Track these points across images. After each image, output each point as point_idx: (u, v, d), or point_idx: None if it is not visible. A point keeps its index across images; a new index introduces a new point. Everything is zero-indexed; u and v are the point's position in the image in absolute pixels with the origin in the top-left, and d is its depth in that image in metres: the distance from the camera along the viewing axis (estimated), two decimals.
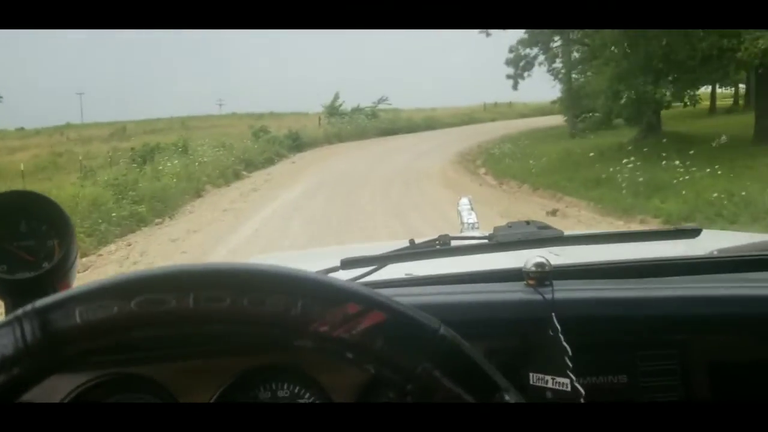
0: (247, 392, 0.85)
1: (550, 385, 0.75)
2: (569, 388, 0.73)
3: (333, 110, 28.73)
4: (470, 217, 1.77)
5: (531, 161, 13.08)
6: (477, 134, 22.86)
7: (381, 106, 31.00)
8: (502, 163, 14.54)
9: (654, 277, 0.90)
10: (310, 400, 0.85)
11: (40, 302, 0.43)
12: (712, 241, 1.32)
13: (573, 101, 19.70)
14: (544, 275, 0.81)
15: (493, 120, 27.79)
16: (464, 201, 1.91)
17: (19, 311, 0.42)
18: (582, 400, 0.73)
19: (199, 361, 0.82)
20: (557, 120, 21.93)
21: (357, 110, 29.46)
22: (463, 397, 0.43)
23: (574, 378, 0.73)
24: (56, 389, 0.80)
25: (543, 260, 0.81)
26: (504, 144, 17.61)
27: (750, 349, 0.84)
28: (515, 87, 20.99)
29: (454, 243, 1.09)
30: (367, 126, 27.04)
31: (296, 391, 0.86)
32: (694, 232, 1.03)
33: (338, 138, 24.07)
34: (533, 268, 0.81)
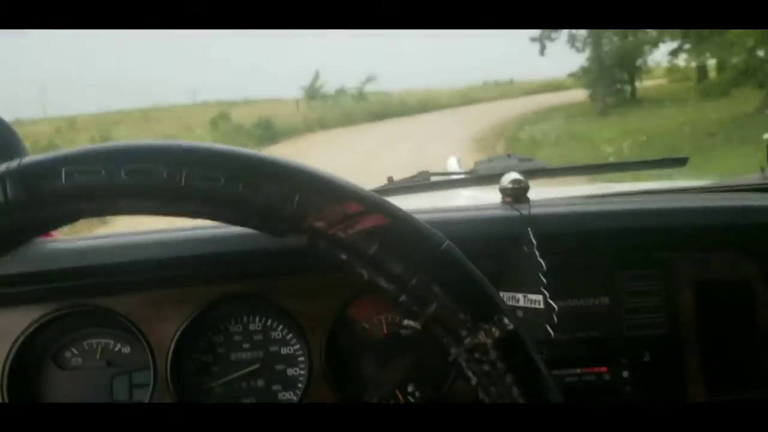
0: (216, 324, 0.82)
1: (521, 303, 0.73)
2: (541, 305, 0.70)
3: (313, 92, 25.35)
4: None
5: (607, 148, 9.36)
6: (484, 116, 18.84)
7: (369, 88, 27.34)
8: (543, 150, 10.52)
9: None
10: (283, 332, 0.83)
11: (26, 159, 0.41)
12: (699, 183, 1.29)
13: (602, 71, 16.47)
14: (520, 192, 0.78)
15: (495, 99, 25.04)
16: (452, 161, 1.88)
17: (3, 166, 0.40)
18: (555, 318, 0.70)
19: (164, 291, 0.79)
20: (571, 96, 19.43)
21: (341, 92, 26.18)
22: (458, 314, 0.42)
23: (547, 294, 0.70)
24: (15, 322, 0.77)
25: (519, 176, 0.78)
26: (533, 126, 13.64)
27: (736, 267, 0.81)
28: (542, 52, 18.14)
29: (434, 179, 1.06)
30: (354, 110, 22.81)
31: (268, 323, 0.83)
32: (681, 161, 1.00)
33: (321, 125, 20.10)
34: (509, 185, 0.78)
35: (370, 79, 27.20)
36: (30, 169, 0.40)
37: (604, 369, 0.81)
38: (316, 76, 25.94)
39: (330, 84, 26.92)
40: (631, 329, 0.82)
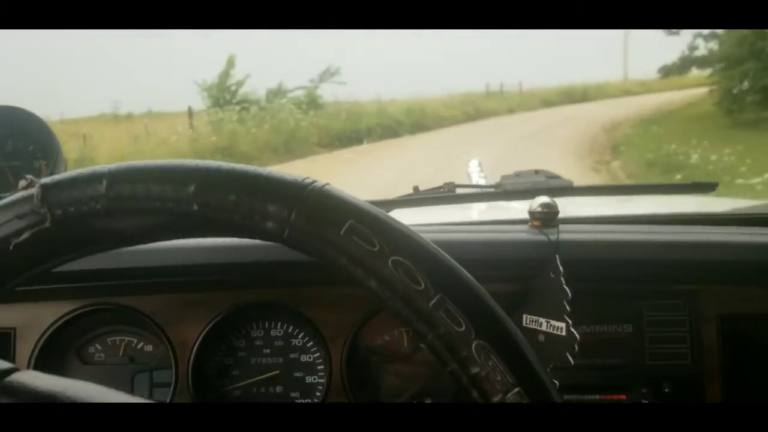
0: (239, 329, 0.83)
1: (543, 328, 0.72)
2: (564, 332, 0.70)
3: (222, 95, 13.88)
4: (480, 180, 1.73)
5: None
6: (521, 140, 11.05)
7: (326, 93, 15.79)
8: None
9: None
10: (304, 340, 0.83)
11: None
12: (728, 203, 1.27)
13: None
14: (549, 216, 0.77)
15: (511, 111, 19.06)
16: (473, 163, 1.87)
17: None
18: (576, 346, 0.69)
19: (189, 294, 0.80)
20: (632, 106, 15.37)
21: (276, 94, 14.81)
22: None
23: (570, 322, 0.69)
24: (43, 316, 0.78)
25: (549, 201, 0.78)
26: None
27: (761, 302, 0.80)
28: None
29: (459, 191, 1.05)
30: (300, 128, 12.38)
31: (289, 330, 0.83)
32: (710, 187, 0.99)
33: (229, 155, 10.25)
34: (539, 209, 0.78)
35: (329, 74, 15.81)
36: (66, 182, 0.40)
37: (623, 397, 0.81)
38: (230, 64, 14.73)
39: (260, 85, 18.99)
40: (652, 359, 0.81)
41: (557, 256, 0.73)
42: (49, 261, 0.42)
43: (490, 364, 0.37)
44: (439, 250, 0.38)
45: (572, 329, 0.70)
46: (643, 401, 0.80)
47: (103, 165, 0.40)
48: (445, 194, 1.03)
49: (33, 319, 0.78)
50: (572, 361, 0.71)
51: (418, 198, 1.02)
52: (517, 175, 1.05)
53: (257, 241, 0.72)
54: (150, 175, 0.39)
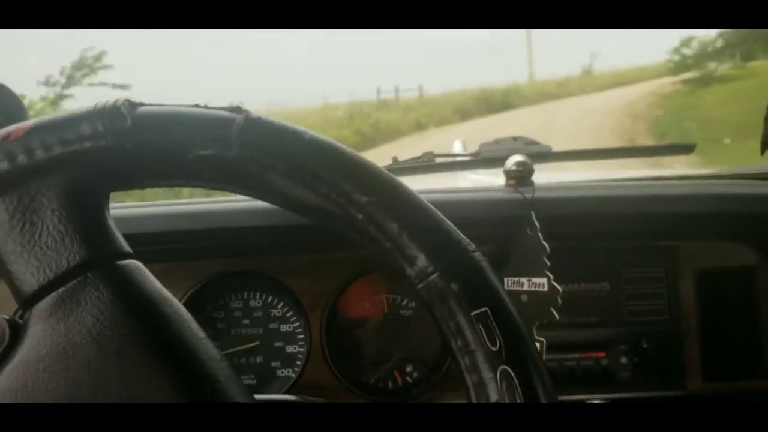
0: (217, 299, 0.82)
1: (525, 287, 0.72)
2: (546, 287, 0.70)
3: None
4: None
5: None
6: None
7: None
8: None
9: None
10: (283, 310, 0.83)
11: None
12: (710, 169, 1.28)
13: None
14: (525, 174, 0.77)
15: (420, 126, 15.44)
16: (458, 143, 1.87)
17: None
18: (559, 300, 0.69)
19: (164, 263, 0.79)
20: (576, 110, 15.15)
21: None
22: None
23: (551, 276, 0.69)
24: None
25: (524, 159, 0.78)
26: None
27: (738, 256, 0.80)
28: None
29: (439, 160, 1.05)
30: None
31: (268, 300, 0.83)
32: (688, 148, 0.99)
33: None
34: (514, 167, 0.77)
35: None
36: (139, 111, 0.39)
37: (602, 354, 0.81)
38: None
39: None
40: (630, 315, 0.81)
41: (533, 212, 0.72)
42: (207, 183, 0.41)
43: (505, 385, 0.36)
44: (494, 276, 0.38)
45: (554, 283, 0.70)
46: (622, 358, 0.81)
47: (307, 130, 0.40)
48: (425, 163, 1.02)
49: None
50: (557, 316, 0.71)
51: (397, 168, 1.01)
52: (496, 142, 1.05)
53: (232, 207, 0.72)
54: (339, 165, 0.38)
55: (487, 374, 0.36)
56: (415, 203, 0.39)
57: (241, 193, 0.41)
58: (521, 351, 0.36)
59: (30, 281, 0.39)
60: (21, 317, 0.40)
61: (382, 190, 0.38)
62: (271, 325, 0.83)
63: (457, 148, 1.84)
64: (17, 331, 0.39)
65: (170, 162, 0.40)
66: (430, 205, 0.39)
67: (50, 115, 0.40)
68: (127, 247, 0.42)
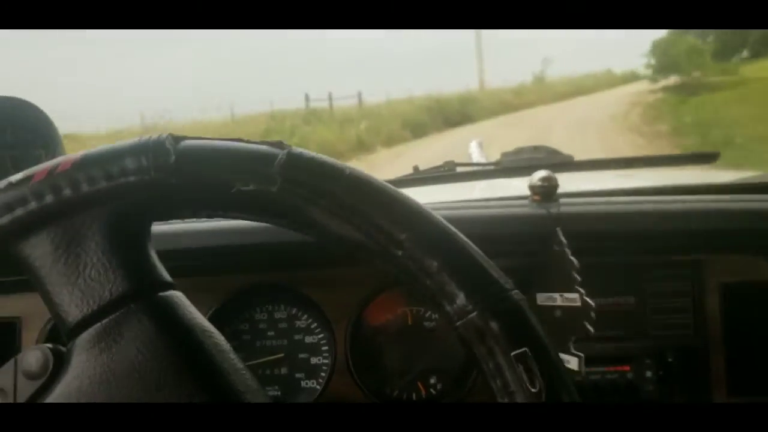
0: (243, 312, 0.83)
1: (558, 302, 0.72)
2: (579, 303, 0.70)
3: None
4: (481, 160, 1.73)
5: None
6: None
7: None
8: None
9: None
10: (308, 322, 0.83)
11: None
12: (728, 175, 1.27)
13: None
14: (549, 190, 0.77)
15: (387, 145, 12.57)
16: (474, 144, 1.87)
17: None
18: (593, 314, 0.69)
19: (191, 278, 0.80)
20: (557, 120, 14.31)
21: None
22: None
23: (583, 291, 0.69)
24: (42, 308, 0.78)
25: (548, 174, 0.77)
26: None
27: (764, 271, 0.80)
28: None
29: (460, 170, 1.05)
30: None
31: (293, 312, 0.84)
32: (712, 157, 0.98)
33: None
34: (539, 183, 0.77)
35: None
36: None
37: (627, 368, 0.81)
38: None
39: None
40: (656, 329, 0.81)
41: (559, 228, 0.72)
42: (247, 215, 0.42)
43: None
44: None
45: (586, 298, 0.70)
46: (647, 372, 0.81)
47: (347, 165, 0.41)
48: (446, 173, 1.03)
49: (37, 307, 0.78)
50: (592, 330, 0.70)
51: (418, 178, 1.02)
52: (517, 151, 1.05)
53: (258, 225, 0.73)
54: (378, 202, 0.39)
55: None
56: (454, 240, 0.39)
57: (281, 226, 0.42)
58: (562, 392, 0.37)
59: (74, 312, 0.39)
60: (65, 345, 0.41)
61: (421, 227, 0.39)
62: (296, 337, 0.83)
63: (473, 149, 1.84)
64: (61, 360, 0.40)
65: (213, 196, 0.40)
66: (469, 242, 0.39)
67: (97, 148, 0.41)
68: (168, 277, 0.43)
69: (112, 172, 0.39)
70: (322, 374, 0.82)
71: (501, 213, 0.78)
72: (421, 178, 1.00)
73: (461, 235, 0.39)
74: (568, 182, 0.94)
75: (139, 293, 0.40)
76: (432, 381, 0.83)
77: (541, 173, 0.78)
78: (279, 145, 0.40)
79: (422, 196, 1.07)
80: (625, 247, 0.79)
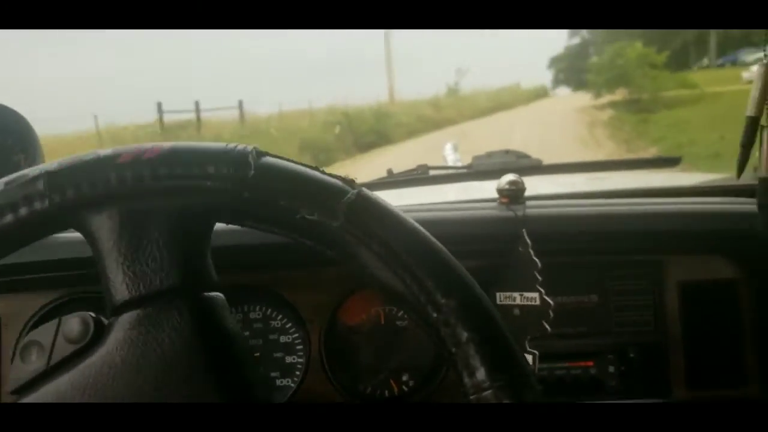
0: None
1: (518, 301, 0.75)
2: (538, 302, 0.73)
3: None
4: (456, 163, 1.76)
5: None
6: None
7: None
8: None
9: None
10: (282, 321, 0.85)
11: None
12: (691, 178, 1.31)
13: None
14: (517, 193, 0.80)
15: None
16: (448, 146, 1.89)
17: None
18: (551, 313, 0.72)
19: None
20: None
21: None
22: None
23: (542, 291, 0.72)
24: (24, 306, 0.79)
25: (516, 178, 0.80)
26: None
27: (721, 270, 0.83)
28: None
29: (432, 173, 1.08)
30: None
31: (268, 312, 0.85)
32: (674, 161, 1.02)
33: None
34: (506, 186, 0.80)
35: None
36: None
37: (590, 363, 0.84)
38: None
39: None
40: (618, 326, 0.85)
41: (524, 230, 0.75)
42: (290, 235, 0.45)
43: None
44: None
45: (545, 297, 0.73)
46: (610, 368, 0.84)
47: (407, 219, 0.43)
48: (419, 176, 1.05)
49: (16, 308, 0.79)
50: (549, 329, 0.73)
51: (391, 181, 1.04)
52: (489, 155, 1.08)
53: (233, 226, 0.75)
54: (424, 258, 0.42)
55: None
56: (488, 315, 0.41)
57: (329, 256, 0.44)
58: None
59: (123, 291, 0.41)
60: (108, 319, 0.43)
61: (461, 296, 0.41)
62: (271, 336, 0.85)
63: (448, 151, 1.87)
64: (100, 332, 0.42)
65: (278, 215, 0.43)
66: (499, 318, 0.42)
67: (186, 144, 0.43)
68: (215, 278, 0.45)
69: (193, 172, 0.41)
70: (297, 373, 0.84)
71: (469, 215, 0.81)
72: (394, 181, 1.03)
73: (495, 310, 0.42)
74: (538, 185, 0.97)
75: (187, 290, 0.42)
76: (404, 378, 0.86)
77: (509, 177, 0.81)
78: (351, 183, 0.42)
79: (396, 198, 1.10)
80: (589, 248, 0.82)
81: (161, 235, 0.42)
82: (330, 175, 0.43)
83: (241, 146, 0.42)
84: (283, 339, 0.85)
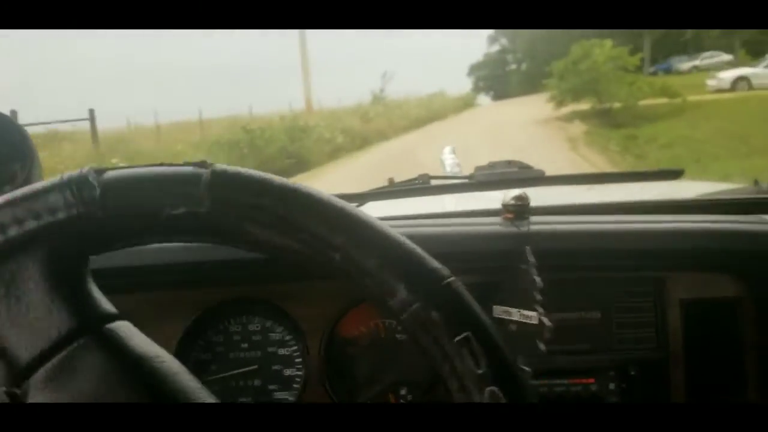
0: (217, 324, 0.84)
1: (515, 318, 0.74)
2: (536, 321, 0.72)
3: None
4: (455, 167, 1.75)
5: None
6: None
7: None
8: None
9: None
10: (282, 334, 0.84)
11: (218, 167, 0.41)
12: (693, 188, 1.31)
13: None
14: (522, 209, 0.79)
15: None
16: (447, 150, 1.88)
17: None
18: (548, 334, 0.72)
19: (167, 292, 0.81)
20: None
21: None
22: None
23: (541, 311, 0.72)
24: None
25: (521, 194, 0.80)
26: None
27: (724, 288, 0.83)
28: None
29: (434, 182, 1.07)
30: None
31: (267, 324, 0.85)
32: (676, 174, 1.01)
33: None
34: (512, 201, 0.80)
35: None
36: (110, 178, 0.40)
37: (591, 380, 0.84)
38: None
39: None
40: (619, 343, 0.84)
41: (528, 247, 0.75)
42: (182, 237, 0.43)
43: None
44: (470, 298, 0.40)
45: (543, 318, 0.73)
46: (611, 385, 0.83)
47: (274, 177, 0.41)
48: (420, 186, 1.04)
49: None
50: (544, 349, 0.73)
51: (392, 190, 1.03)
52: (491, 165, 1.07)
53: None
54: (311, 210, 0.40)
55: (475, 397, 0.38)
56: (388, 238, 0.40)
57: (220, 244, 0.43)
58: (505, 371, 0.39)
59: (24, 354, 0.39)
60: (18, 388, 0.40)
61: (355, 229, 0.40)
62: (270, 349, 0.84)
63: (446, 155, 1.86)
64: (15, 402, 0.40)
65: (144, 224, 0.41)
66: (403, 237, 0.40)
67: (20, 189, 0.41)
68: (112, 309, 0.43)
69: (38, 211, 0.39)
70: (295, 386, 0.84)
71: (473, 231, 0.80)
72: (395, 190, 1.02)
73: (395, 232, 0.41)
74: (539, 195, 0.96)
75: (86, 328, 0.40)
76: (402, 392, 0.85)
77: (514, 192, 0.80)
78: (202, 164, 0.40)
79: (396, 208, 1.09)
80: (592, 264, 0.81)
81: (38, 284, 0.39)
82: (179, 164, 0.41)
83: (75, 172, 0.40)
84: (281, 352, 0.84)
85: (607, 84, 13.69)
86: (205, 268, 0.77)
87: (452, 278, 0.40)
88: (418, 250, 0.40)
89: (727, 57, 20.06)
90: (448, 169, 1.70)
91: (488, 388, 0.38)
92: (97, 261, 0.75)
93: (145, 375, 0.40)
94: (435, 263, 0.40)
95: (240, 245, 0.42)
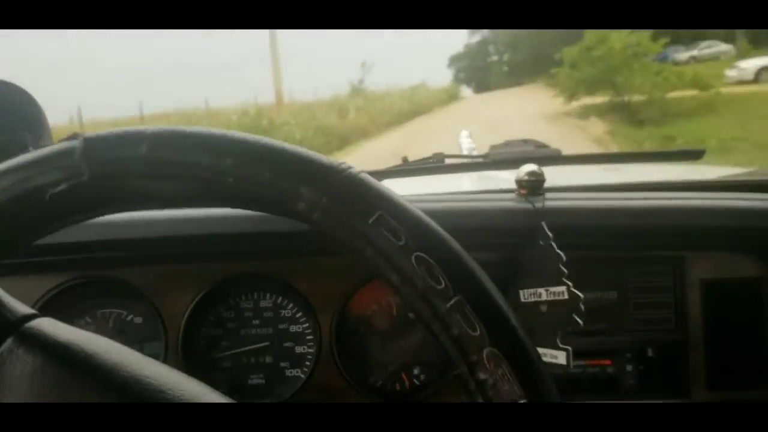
0: (228, 300, 0.83)
1: (544, 297, 0.72)
2: (566, 296, 0.70)
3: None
4: (472, 152, 1.73)
5: None
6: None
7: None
8: None
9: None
10: (293, 311, 0.84)
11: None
12: (714, 171, 1.28)
13: None
14: (536, 184, 0.78)
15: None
16: (464, 134, 1.86)
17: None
18: (582, 306, 0.70)
19: (178, 265, 0.80)
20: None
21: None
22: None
23: (570, 284, 0.70)
24: (33, 289, 0.78)
25: (536, 169, 0.78)
26: None
27: (745, 268, 0.81)
28: None
29: (448, 161, 1.05)
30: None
31: (278, 301, 0.84)
32: (697, 154, 0.99)
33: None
34: (525, 177, 0.78)
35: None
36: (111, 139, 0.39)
37: (608, 362, 0.82)
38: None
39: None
40: (637, 324, 0.82)
41: (543, 222, 0.73)
42: (78, 215, 0.41)
43: (499, 372, 0.37)
44: (463, 251, 0.38)
45: (574, 290, 0.71)
46: (628, 366, 0.82)
47: (147, 127, 0.40)
48: (435, 165, 1.03)
49: (20, 293, 0.78)
50: (581, 323, 0.70)
51: (407, 169, 1.02)
52: (506, 144, 1.05)
53: (246, 212, 0.72)
54: (190, 143, 0.39)
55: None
56: (279, 150, 0.39)
57: (119, 211, 0.42)
58: (428, 240, 0.38)
59: None
60: None
61: (241, 148, 0.39)
62: (281, 326, 0.84)
63: (463, 138, 1.84)
64: None
65: (35, 214, 0.39)
66: (295, 146, 0.40)
67: None
68: (28, 309, 0.41)
69: None
70: (307, 363, 0.83)
71: (487, 206, 0.78)
72: (410, 169, 1.00)
73: (284, 144, 0.40)
74: (556, 176, 0.94)
75: (5, 333, 0.39)
76: (415, 372, 0.84)
77: (529, 167, 0.78)
78: (74, 136, 0.39)
79: (411, 187, 1.08)
80: (609, 243, 0.79)
81: None
82: (48, 145, 0.40)
83: None
84: (293, 329, 0.84)
85: (629, 74, 12.24)
86: (216, 242, 0.76)
87: (351, 167, 0.39)
88: (312, 153, 0.39)
89: (726, 47, 19.59)
90: (465, 153, 1.68)
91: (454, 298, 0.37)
92: (108, 232, 0.74)
93: (81, 359, 0.38)
94: (330, 159, 0.39)
95: (139, 206, 0.41)
